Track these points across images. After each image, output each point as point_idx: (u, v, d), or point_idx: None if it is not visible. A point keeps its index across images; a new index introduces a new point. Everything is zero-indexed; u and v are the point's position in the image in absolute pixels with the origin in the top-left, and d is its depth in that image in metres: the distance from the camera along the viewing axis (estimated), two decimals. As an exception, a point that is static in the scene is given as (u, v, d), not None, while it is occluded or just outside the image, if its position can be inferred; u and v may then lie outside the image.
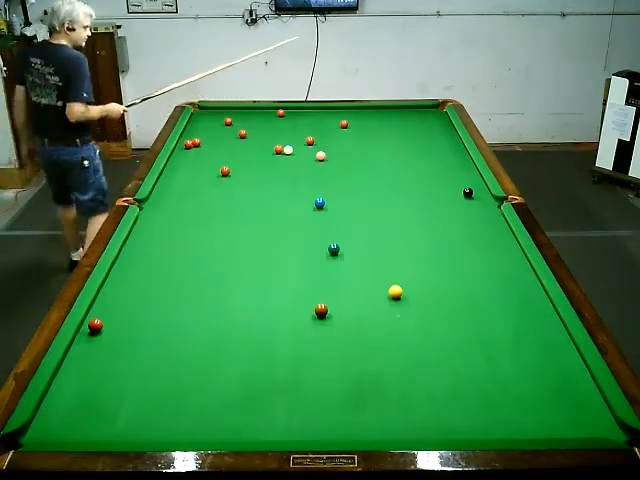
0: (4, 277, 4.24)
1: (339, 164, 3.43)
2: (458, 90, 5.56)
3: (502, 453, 1.61)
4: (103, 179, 3.98)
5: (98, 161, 3.93)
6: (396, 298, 2.25)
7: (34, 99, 3.79)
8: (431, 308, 2.23)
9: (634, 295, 4.01)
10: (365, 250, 2.61)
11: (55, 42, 3.70)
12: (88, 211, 3.98)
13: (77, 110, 3.66)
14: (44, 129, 3.81)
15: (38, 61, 3.69)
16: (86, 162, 3.83)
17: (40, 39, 5.58)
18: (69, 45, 3.71)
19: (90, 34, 3.84)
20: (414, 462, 1.60)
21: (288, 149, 3.54)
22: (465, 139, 3.66)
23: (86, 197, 3.93)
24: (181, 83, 4.15)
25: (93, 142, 3.91)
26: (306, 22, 5.94)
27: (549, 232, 2.68)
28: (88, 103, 3.72)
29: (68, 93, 3.64)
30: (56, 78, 3.66)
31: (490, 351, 2.01)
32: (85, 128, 3.82)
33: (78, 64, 3.67)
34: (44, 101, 3.74)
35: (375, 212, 2.92)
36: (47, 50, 3.71)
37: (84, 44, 3.84)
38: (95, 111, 3.79)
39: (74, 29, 3.68)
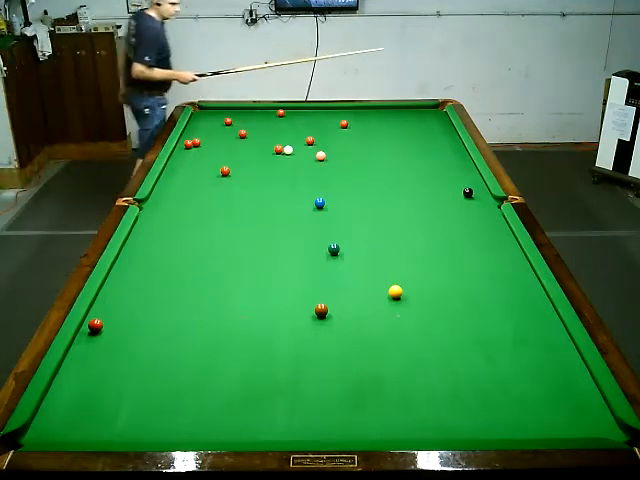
0: (4, 277, 4.24)
1: (339, 164, 3.43)
2: (458, 90, 5.57)
3: (502, 453, 1.61)
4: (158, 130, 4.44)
5: (159, 114, 4.50)
6: (396, 298, 2.25)
7: (127, 53, 4.49)
8: (431, 308, 2.23)
9: (634, 295, 4.01)
10: (365, 250, 2.61)
11: (146, 12, 4.41)
12: (136, 152, 4.63)
13: (137, 69, 4.33)
14: (128, 78, 4.50)
15: (132, 24, 4.42)
16: (147, 110, 4.48)
17: (40, 39, 5.60)
18: (156, 17, 4.38)
19: (179, 10, 4.46)
20: (414, 462, 1.60)
21: (288, 149, 3.54)
22: (465, 139, 3.66)
23: (140, 138, 4.60)
24: (257, 66, 4.68)
25: (160, 97, 4.50)
26: (306, 22, 5.94)
27: (549, 232, 2.68)
28: (152, 66, 4.35)
29: (135, 54, 4.34)
30: (133, 40, 4.36)
31: (490, 351, 2.01)
32: (154, 83, 4.43)
33: (147, 32, 4.34)
34: (129, 55, 4.43)
35: (375, 212, 2.92)
36: (137, 17, 4.46)
37: (172, 17, 4.48)
38: (158, 73, 4.39)
39: (160, 4, 4.34)
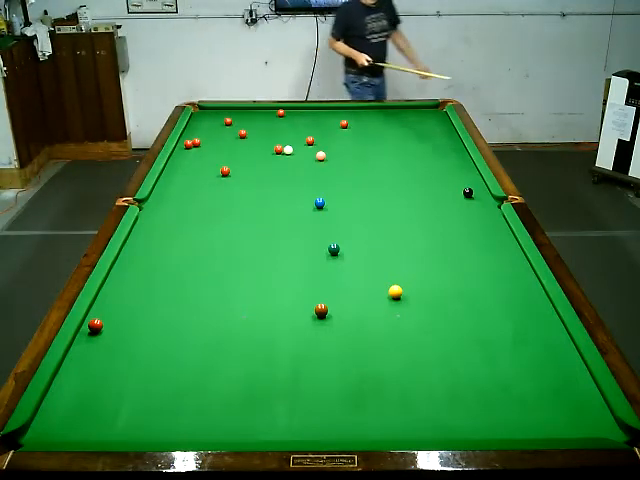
0: (4, 277, 4.24)
1: (339, 164, 3.43)
2: (458, 90, 5.56)
3: (502, 453, 1.61)
4: None
5: (353, 90, 5.01)
6: (396, 298, 2.25)
7: None
8: (431, 308, 2.23)
9: (634, 295, 4.01)
10: (365, 250, 2.61)
11: None
12: None
13: (328, 40, 5.07)
14: None
15: None
16: (344, 85, 5.09)
17: (40, 39, 5.60)
18: None
19: None
20: (414, 462, 1.60)
21: (288, 149, 3.54)
22: (465, 139, 3.66)
23: None
24: (423, 73, 4.88)
25: (353, 75, 4.98)
26: (306, 22, 5.94)
27: (549, 232, 2.68)
28: (338, 40, 4.94)
29: None
30: None
31: (490, 351, 2.01)
32: (349, 61, 4.94)
33: (338, 10, 5.15)
34: None
35: (375, 212, 2.92)
36: None
37: (368, 3, 4.85)
38: (340, 47, 4.95)
39: None
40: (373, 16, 4.85)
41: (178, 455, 1.61)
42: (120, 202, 2.91)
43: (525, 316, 2.18)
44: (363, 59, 4.80)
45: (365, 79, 4.95)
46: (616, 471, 1.61)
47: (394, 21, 5.02)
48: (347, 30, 4.87)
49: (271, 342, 2.06)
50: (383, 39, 4.95)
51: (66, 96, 5.95)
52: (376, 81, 5.00)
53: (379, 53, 4.92)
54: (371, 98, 4.90)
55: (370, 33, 4.87)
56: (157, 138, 3.72)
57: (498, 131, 6.15)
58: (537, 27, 5.99)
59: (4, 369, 1.93)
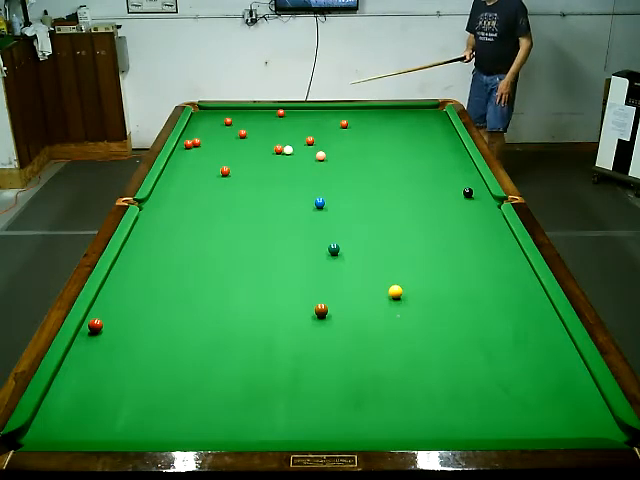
0: (4, 277, 4.24)
1: (339, 164, 3.43)
2: (458, 90, 5.55)
3: (502, 453, 1.61)
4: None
5: (472, 77, 5.34)
6: (396, 298, 2.25)
7: None
8: (431, 308, 2.23)
9: (634, 295, 4.01)
10: (365, 250, 2.61)
11: None
12: None
13: None
14: None
15: None
16: None
17: (40, 39, 5.59)
18: None
19: None
20: (414, 462, 1.60)
21: (288, 149, 3.54)
22: (465, 139, 3.66)
23: None
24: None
25: (474, 73, 5.32)
26: (306, 22, 5.94)
27: (549, 232, 2.68)
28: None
29: None
30: None
31: (490, 351, 2.01)
32: None
33: None
34: None
35: (375, 212, 2.92)
36: None
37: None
38: (467, 39, 5.34)
39: None
40: (486, 14, 5.00)
41: (178, 455, 1.61)
42: (120, 202, 2.91)
43: (525, 316, 2.18)
44: (463, 54, 5.22)
45: (475, 71, 5.27)
46: (616, 471, 1.61)
47: (509, 28, 4.94)
48: (467, 24, 5.20)
49: (271, 342, 2.06)
50: (490, 40, 5.04)
51: (66, 96, 5.95)
52: (484, 79, 5.18)
53: (483, 52, 5.11)
54: (475, 92, 5.24)
55: (479, 30, 5.06)
56: (157, 138, 3.72)
57: (498, 131, 6.14)
58: (537, 27, 5.98)
59: (4, 369, 1.93)
